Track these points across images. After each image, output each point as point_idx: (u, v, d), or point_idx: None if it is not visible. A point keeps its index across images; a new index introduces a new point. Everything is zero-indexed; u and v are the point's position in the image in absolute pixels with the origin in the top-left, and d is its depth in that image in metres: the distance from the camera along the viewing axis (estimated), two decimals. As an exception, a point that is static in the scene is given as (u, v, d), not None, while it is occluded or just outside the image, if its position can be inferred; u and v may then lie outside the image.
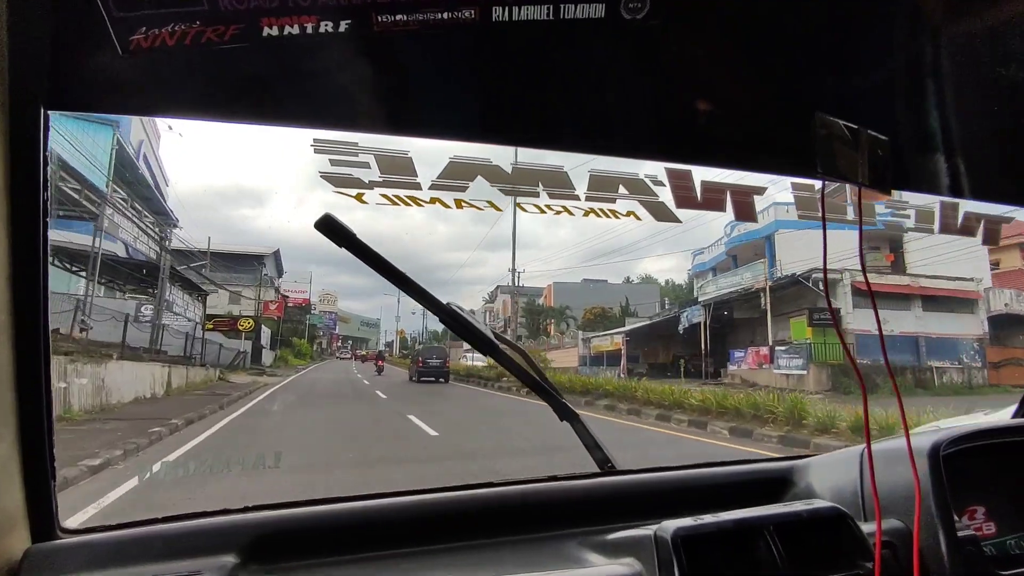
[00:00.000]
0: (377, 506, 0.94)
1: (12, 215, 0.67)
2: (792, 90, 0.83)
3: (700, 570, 0.76)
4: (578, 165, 0.89)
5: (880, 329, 0.85)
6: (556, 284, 41.72)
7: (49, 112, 0.67)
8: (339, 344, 63.49)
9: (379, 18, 0.59)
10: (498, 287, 49.55)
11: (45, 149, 0.67)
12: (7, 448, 0.72)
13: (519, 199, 0.86)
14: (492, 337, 1.01)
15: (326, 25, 0.59)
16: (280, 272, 42.28)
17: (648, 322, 29.51)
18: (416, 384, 20.28)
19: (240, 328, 26.80)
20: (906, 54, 0.79)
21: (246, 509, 0.89)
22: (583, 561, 0.86)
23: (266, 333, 31.80)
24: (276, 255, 40.89)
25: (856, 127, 0.83)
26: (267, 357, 30.74)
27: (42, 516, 0.77)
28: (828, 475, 1.10)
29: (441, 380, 20.86)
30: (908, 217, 1.15)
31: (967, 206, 1.17)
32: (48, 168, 0.68)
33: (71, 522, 0.82)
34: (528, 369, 1.06)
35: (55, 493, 0.79)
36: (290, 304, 42.78)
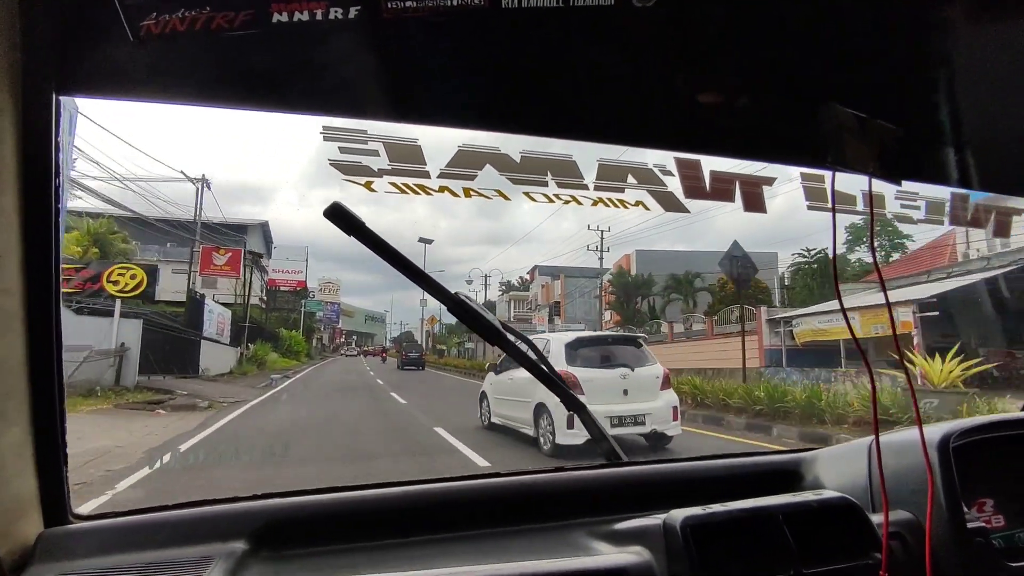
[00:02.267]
0: (387, 495, 0.94)
1: (24, 201, 0.67)
2: (804, 80, 0.83)
3: (710, 559, 0.76)
4: (587, 153, 0.88)
5: (891, 315, 0.84)
6: (639, 252, 31.20)
7: (60, 97, 0.67)
8: (343, 339, 63.14)
9: (389, 4, 0.59)
10: (536, 267, 41.25)
11: (57, 135, 0.67)
12: (21, 435, 0.72)
13: (527, 189, 0.86)
14: (499, 327, 1.01)
15: (336, 11, 0.58)
16: (269, 249, 32.79)
17: (978, 277, 13.13)
18: (403, 372, 25.60)
19: (111, 291, 11.99)
20: (917, 44, 0.78)
21: (255, 497, 0.90)
22: (591, 550, 0.86)
23: (226, 314, 20.03)
24: (263, 227, 32.04)
25: (866, 117, 0.83)
26: (219, 357, 18.13)
27: (55, 502, 0.78)
28: (836, 467, 1.09)
29: (420, 368, 27.53)
30: (918, 208, 1.14)
31: (977, 197, 1.17)
32: (60, 154, 0.69)
33: (84, 508, 0.83)
34: (535, 359, 1.06)
35: (67, 479, 0.80)
36: (283, 288, 31.84)
